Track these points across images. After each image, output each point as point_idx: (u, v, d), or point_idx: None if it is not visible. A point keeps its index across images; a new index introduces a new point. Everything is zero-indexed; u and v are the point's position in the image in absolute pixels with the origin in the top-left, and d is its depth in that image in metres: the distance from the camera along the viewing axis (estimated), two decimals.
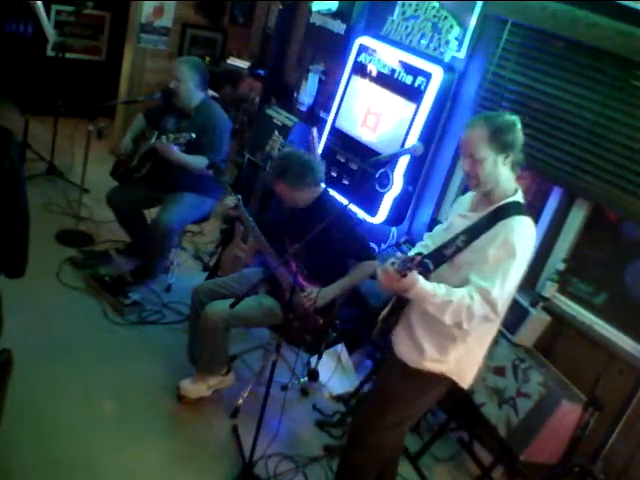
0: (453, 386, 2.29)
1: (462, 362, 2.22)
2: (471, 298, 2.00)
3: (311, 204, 3.01)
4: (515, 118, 2.11)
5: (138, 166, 3.82)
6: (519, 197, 2.14)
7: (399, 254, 2.18)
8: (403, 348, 2.27)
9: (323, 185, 3.05)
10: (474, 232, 2.10)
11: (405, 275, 1.97)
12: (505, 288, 2.01)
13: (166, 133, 3.55)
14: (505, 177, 2.12)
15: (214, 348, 2.97)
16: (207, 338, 2.94)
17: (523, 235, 2.04)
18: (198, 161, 3.60)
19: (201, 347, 3.02)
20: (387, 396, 2.33)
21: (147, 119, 3.95)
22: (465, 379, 2.28)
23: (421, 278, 2.03)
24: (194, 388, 3.06)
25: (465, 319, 2.01)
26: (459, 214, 2.25)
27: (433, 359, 2.20)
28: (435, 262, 2.10)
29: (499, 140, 2.05)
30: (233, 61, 5.78)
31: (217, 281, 3.25)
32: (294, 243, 2.74)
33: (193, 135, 3.45)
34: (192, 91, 3.68)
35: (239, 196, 3.11)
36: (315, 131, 3.84)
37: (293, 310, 2.77)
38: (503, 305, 2.06)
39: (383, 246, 3.99)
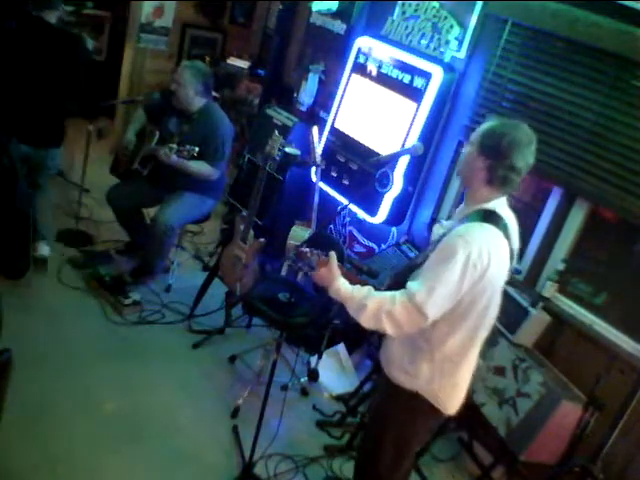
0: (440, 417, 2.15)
1: (435, 383, 2.06)
2: (392, 302, 1.89)
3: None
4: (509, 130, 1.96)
5: (140, 168, 3.82)
6: (491, 206, 1.99)
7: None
8: (383, 357, 2.21)
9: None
10: (440, 240, 2.01)
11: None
12: (436, 293, 1.86)
13: (167, 143, 3.52)
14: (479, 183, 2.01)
15: None
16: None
17: (469, 240, 1.87)
18: (201, 168, 3.62)
19: None
20: (377, 419, 2.26)
21: (147, 114, 3.94)
22: (444, 404, 2.10)
23: (341, 278, 2.01)
24: None
25: (388, 325, 1.90)
26: (439, 224, 2.20)
27: (403, 370, 2.09)
28: (409, 271, 2.07)
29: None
30: (233, 61, 5.77)
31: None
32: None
33: (196, 149, 3.45)
34: (191, 97, 3.66)
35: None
36: (315, 131, 3.84)
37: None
38: (435, 310, 1.89)
39: (383, 246, 3.99)
